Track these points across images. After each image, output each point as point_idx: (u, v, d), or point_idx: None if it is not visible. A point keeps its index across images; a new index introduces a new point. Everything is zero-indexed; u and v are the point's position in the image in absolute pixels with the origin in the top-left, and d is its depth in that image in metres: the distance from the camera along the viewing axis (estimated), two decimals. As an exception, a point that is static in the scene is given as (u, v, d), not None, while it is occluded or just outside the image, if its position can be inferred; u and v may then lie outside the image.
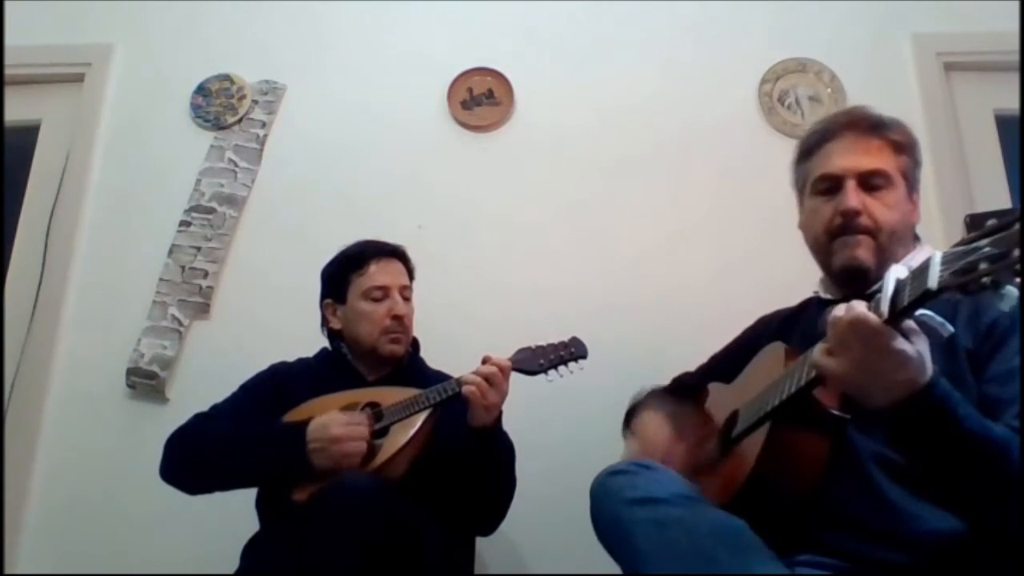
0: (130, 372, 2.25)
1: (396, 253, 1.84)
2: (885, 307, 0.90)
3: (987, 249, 0.79)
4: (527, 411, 1.77)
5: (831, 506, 1.08)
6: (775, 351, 1.25)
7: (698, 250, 2.32)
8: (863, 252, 1.24)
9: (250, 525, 1.69)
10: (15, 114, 2.47)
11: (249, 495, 1.71)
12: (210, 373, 2.13)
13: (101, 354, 2.28)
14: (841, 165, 1.28)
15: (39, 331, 2.31)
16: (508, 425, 1.67)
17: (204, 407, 1.74)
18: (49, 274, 2.36)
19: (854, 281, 1.27)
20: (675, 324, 2.18)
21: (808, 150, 1.36)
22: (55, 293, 2.34)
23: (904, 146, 1.30)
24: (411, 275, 1.86)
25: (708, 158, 2.40)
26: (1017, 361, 1.08)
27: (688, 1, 2.54)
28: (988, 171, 2.37)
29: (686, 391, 1.50)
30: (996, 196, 2.30)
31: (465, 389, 1.56)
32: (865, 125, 1.29)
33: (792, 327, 1.39)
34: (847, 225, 1.25)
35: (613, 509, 1.06)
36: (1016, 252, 0.76)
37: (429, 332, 1.92)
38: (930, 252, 1.22)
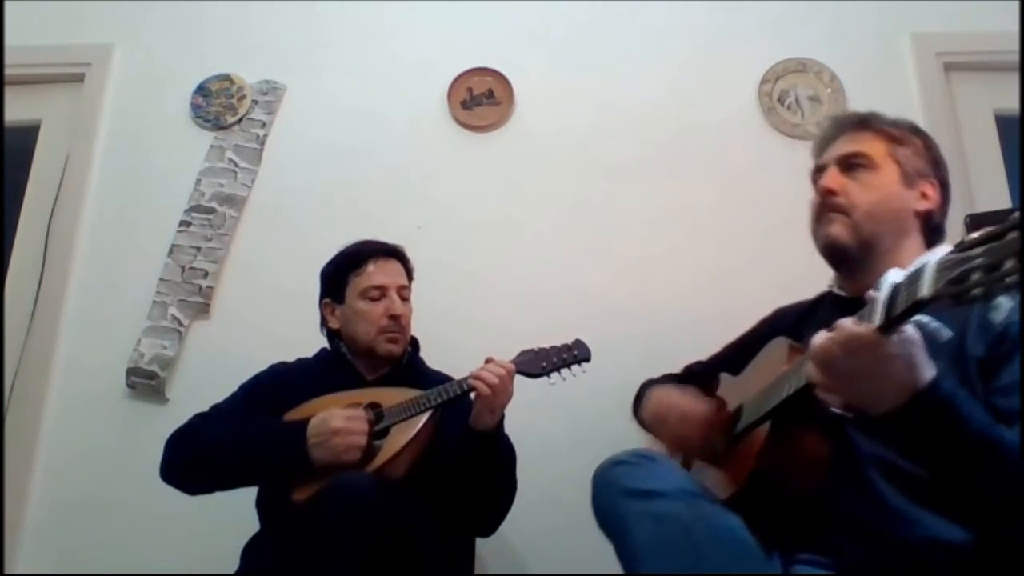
0: (130, 372, 2.25)
1: (394, 253, 1.84)
2: (879, 314, 0.89)
3: (980, 260, 0.76)
4: (529, 413, 1.76)
5: (829, 507, 1.08)
6: (780, 346, 1.25)
7: (699, 250, 2.32)
8: (837, 229, 1.27)
9: (250, 525, 1.68)
10: (15, 114, 2.48)
11: (249, 495, 1.71)
12: (210, 373, 2.13)
13: (101, 354, 2.28)
14: (826, 157, 1.35)
15: (39, 331, 2.31)
16: (509, 427, 1.67)
17: (204, 407, 1.74)
18: (49, 274, 2.35)
19: (836, 261, 1.32)
20: (677, 325, 2.17)
21: (815, 148, 1.42)
22: (55, 293, 2.34)
23: (898, 137, 1.32)
24: (410, 275, 1.85)
25: (708, 158, 2.40)
26: None
27: (688, 1, 2.54)
28: (988, 171, 2.37)
29: (696, 380, 1.50)
30: (996, 196, 2.30)
31: (475, 383, 1.56)
32: (856, 120, 1.35)
33: (808, 320, 1.38)
34: (824, 204, 1.30)
35: (611, 499, 1.06)
36: (1008, 264, 0.73)
37: (428, 333, 1.91)
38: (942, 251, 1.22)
